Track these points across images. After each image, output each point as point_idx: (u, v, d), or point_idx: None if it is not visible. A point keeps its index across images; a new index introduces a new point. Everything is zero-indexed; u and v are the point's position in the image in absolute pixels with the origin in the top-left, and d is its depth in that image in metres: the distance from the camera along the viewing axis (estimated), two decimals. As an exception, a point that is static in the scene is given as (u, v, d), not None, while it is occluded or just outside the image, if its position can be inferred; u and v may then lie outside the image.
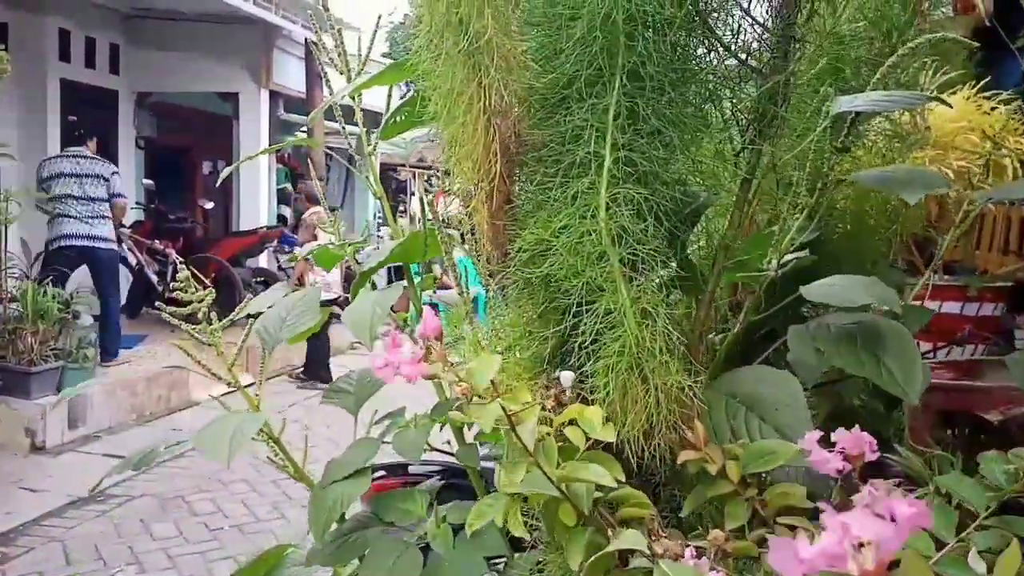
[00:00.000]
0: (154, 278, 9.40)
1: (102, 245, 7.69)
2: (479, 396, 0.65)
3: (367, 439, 1.38)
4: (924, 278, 1.44)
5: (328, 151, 12.07)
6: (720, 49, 0.87)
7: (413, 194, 17.90)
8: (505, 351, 0.87)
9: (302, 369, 9.40)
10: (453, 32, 0.83)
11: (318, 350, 9.28)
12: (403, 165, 18.02)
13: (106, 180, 7.69)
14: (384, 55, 31.99)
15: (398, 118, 1.24)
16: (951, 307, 1.90)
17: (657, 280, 0.75)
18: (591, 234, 0.75)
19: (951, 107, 1.27)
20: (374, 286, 1.44)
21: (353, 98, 1.50)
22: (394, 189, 16.48)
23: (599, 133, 0.78)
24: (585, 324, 0.79)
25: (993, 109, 2.02)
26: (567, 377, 0.66)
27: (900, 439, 1.52)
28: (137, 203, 10.30)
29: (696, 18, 0.83)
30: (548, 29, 0.85)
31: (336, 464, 1.28)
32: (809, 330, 0.98)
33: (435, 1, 0.83)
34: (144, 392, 7.46)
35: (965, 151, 1.84)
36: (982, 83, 1.99)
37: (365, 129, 1.45)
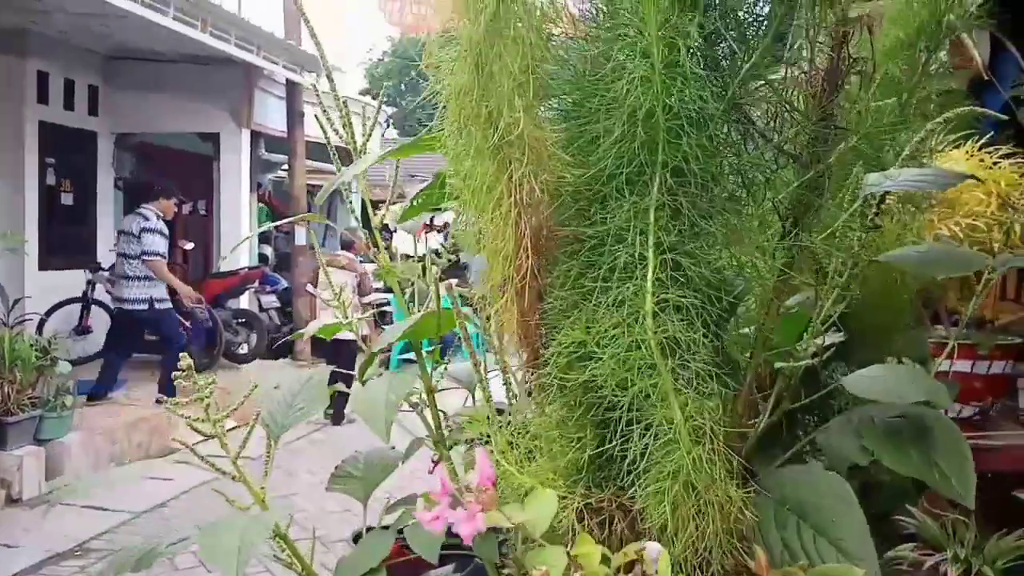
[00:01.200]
0: (134, 321, 9.25)
1: (129, 307, 7.78)
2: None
3: (379, 532, 1.31)
4: (948, 348, 1.40)
5: (309, 187, 12.02)
6: (759, 139, 0.84)
7: (395, 231, 17.88)
8: (536, 455, 0.82)
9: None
10: (482, 125, 0.79)
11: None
12: (384, 201, 18.05)
13: (136, 236, 7.73)
14: (363, 92, 32.11)
15: (416, 201, 1.19)
16: (963, 365, 1.88)
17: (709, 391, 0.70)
18: (639, 346, 0.70)
19: (982, 181, 1.24)
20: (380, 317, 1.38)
21: (356, 146, 1.46)
22: (374, 225, 16.43)
23: (641, 234, 0.74)
24: (629, 432, 0.74)
25: (996, 163, 2.00)
26: (654, 550, 0.61)
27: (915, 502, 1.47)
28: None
29: (736, 109, 0.80)
30: (582, 122, 0.81)
31: (346, 565, 1.21)
32: (852, 423, 0.94)
33: (464, 93, 0.79)
34: (123, 439, 7.30)
35: (972, 209, 1.83)
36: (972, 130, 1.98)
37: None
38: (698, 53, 0.73)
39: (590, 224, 0.80)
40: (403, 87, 37.06)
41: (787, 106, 0.84)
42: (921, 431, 0.90)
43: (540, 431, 0.83)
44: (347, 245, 9.64)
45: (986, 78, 2.13)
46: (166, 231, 8.16)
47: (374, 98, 28.30)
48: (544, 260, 0.83)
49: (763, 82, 0.82)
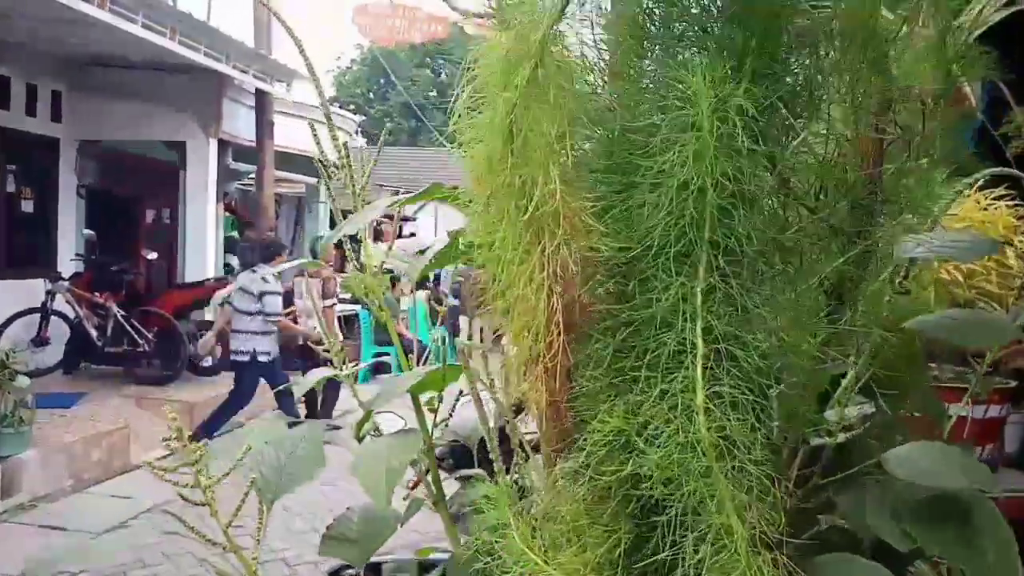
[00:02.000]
0: (93, 332, 9.04)
1: (238, 357, 8.19)
2: None
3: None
4: (964, 400, 1.38)
5: (276, 196, 11.89)
6: (806, 213, 0.80)
7: (364, 239, 17.70)
8: (562, 548, 0.77)
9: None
10: (516, 195, 0.74)
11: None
12: (352, 211, 17.87)
13: (256, 296, 8.06)
14: (332, 99, 31.85)
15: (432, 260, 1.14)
16: (956, 409, 1.85)
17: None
18: (691, 446, 0.65)
19: (1014, 245, 1.21)
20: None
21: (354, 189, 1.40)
22: (345, 235, 16.27)
23: (688, 319, 0.69)
24: (673, 529, 0.69)
25: (990, 205, 1.99)
26: None
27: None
28: (77, 254, 9.97)
29: (784, 183, 0.76)
30: (620, 191, 0.76)
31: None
32: (885, 504, 0.90)
33: (497, 161, 0.73)
34: (83, 456, 7.10)
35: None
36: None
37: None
38: (751, 125, 0.68)
39: (629, 302, 0.75)
40: (371, 95, 36.90)
41: (834, 178, 0.80)
42: (961, 513, 0.86)
43: (569, 518, 0.77)
44: (316, 253, 9.71)
45: (980, 117, 2.13)
46: (281, 289, 8.43)
47: (342, 106, 28.12)
48: (575, 336, 0.78)
49: (810, 153, 0.78)
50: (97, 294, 9.16)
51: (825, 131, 0.78)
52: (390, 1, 10.19)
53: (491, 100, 0.73)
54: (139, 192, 11.73)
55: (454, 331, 12.00)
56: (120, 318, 9.01)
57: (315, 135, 1.44)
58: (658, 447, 0.67)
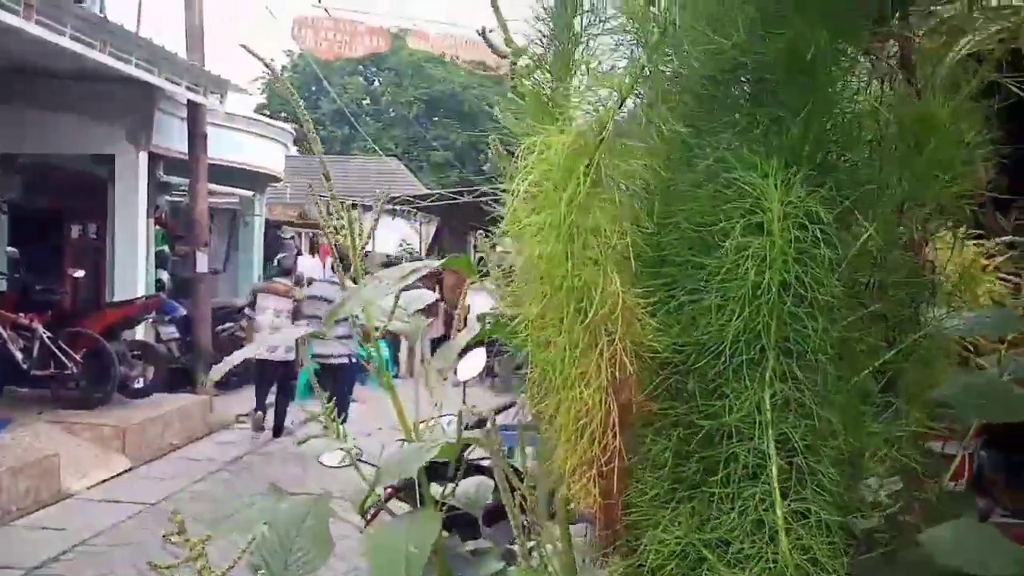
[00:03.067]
0: (18, 355, 8.66)
1: (334, 361, 9.05)
2: None
3: None
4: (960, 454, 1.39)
5: (209, 209, 11.60)
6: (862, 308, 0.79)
7: (300, 253, 17.42)
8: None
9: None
10: (574, 297, 0.70)
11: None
12: (288, 223, 17.54)
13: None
14: (260, 107, 31.30)
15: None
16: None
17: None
18: (775, 570, 0.63)
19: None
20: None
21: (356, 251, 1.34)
22: (277, 248, 15.98)
23: (759, 428, 0.67)
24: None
25: (990, 255, 2.02)
26: None
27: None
28: (0, 274, 9.57)
29: (851, 284, 0.74)
30: (671, 289, 0.73)
31: None
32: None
33: (556, 264, 0.70)
34: (11, 486, 6.77)
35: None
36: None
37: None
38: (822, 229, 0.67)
39: (688, 402, 0.72)
40: (302, 103, 36.23)
41: (890, 271, 0.79)
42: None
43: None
44: (286, 272, 10.02)
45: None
46: None
47: (273, 115, 27.60)
48: (634, 439, 0.75)
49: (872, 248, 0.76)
50: (22, 315, 8.79)
51: (881, 227, 0.76)
52: (327, 13, 10.06)
53: (548, 198, 0.70)
54: (64, 207, 11.31)
55: (395, 344, 12.00)
56: (47, 339, 8.66)
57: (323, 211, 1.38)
58: (737, 566, 0.64)
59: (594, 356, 0.72)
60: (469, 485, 1.32)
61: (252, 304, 9.81)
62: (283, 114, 32.18)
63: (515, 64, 1.16)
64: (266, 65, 1.55)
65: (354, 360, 8.79)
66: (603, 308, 0.70)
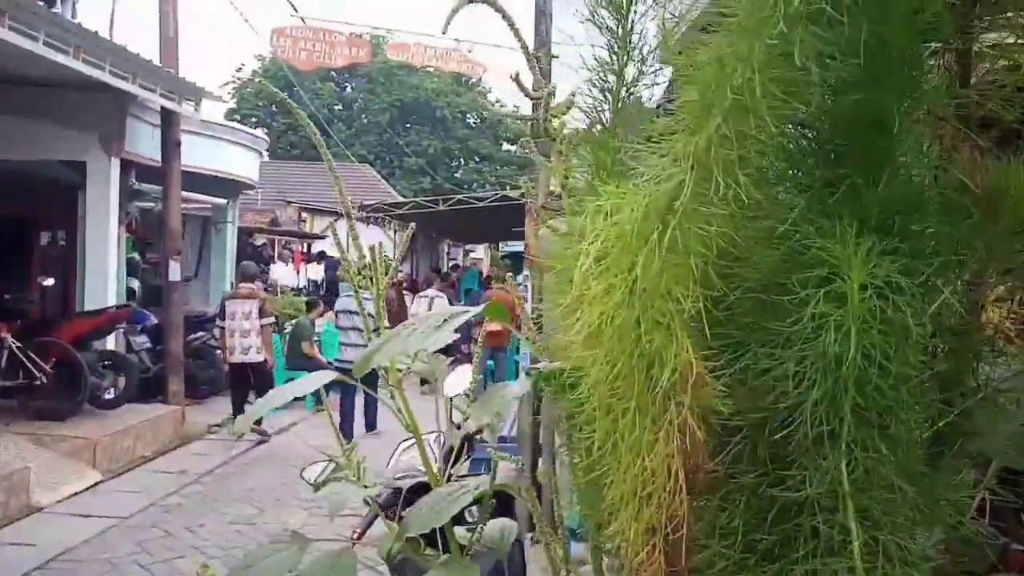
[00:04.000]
0: (-14, 365, 8.48)
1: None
2: None
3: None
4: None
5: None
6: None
7: (273, 260, 17.28)
8: None
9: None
10: (645, 366, 0.69)
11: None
12: (259, 230, 17.40)
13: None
14: (231, 112, 31.01)
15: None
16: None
17: None
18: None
19: None
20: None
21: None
22: (249, 255, 15.85)
23: (839, 501, 0.66)
24: None
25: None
26: None
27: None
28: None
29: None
30: (736, 353, 0.72)
31: None
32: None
33: (624, 333, 0.68)
34: (-22, 501, 6.62)
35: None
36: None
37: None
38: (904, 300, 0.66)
39: (759, 471, 0.71)
40: (274, 108, 36.05)
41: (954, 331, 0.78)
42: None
43: None
44: (250, 277, 10.42)
45: None
46: None
47: (242, 120, 27.37)
48: (697, 503, 0.74)
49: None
50: (-12, 324, 8.61)
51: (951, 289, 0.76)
52: (302, 22, 9.97)
53: (618, 264, 0.69)
54: (32, 214, 11.11)
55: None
56: (15, 349, 8.48)
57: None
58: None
59: (663, 423, 0.71)
60: (494, 528, 1.30)
61: (222, 314, 10.11)
62: (253, 119, 31.97)
63: (547, 110, 1.15)
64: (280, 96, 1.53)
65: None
66: (674, 375, 0.69)
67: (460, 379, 4.64)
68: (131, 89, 8.53)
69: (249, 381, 9.94)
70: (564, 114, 1.06)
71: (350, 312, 9.82)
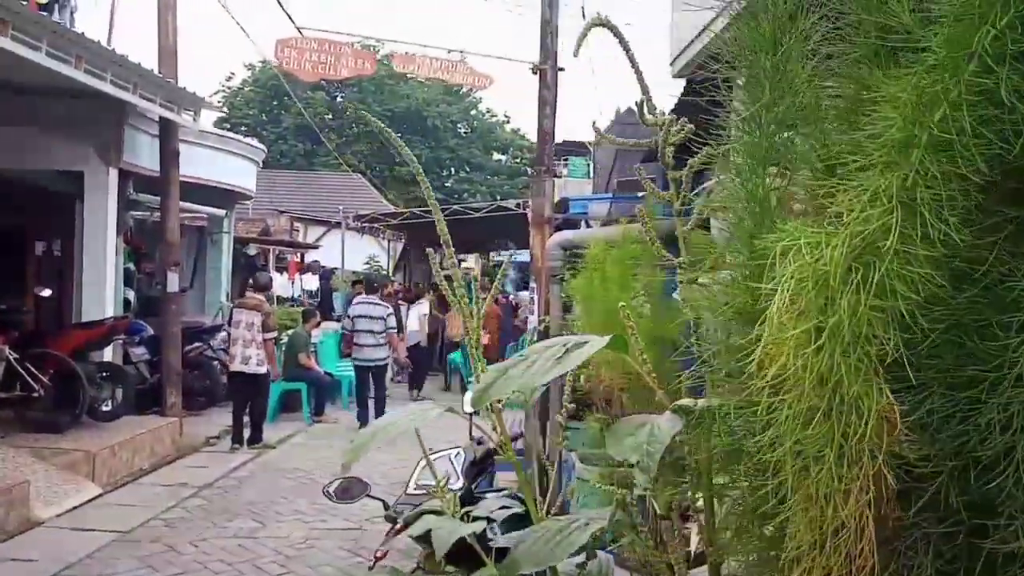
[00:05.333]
0: (-18, 377, 8.36)
1: (376, 363, 11.99)
2: None
3: None
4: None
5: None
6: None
7: (264, 267, 17.19)
8: None
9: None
10: (846, 411, 0.66)
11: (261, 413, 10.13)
12: (253, 240, 17.30)
13: (383, 319, 11.90)
14: (221, 120, 30.88)
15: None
16: None
17: None
18: None
19: None
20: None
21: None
22: (244, 265, 15.76)
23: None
24: None
25: None
26: None
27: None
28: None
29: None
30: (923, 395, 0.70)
31: None
32: None
33: (821, 378, 0.66)
34: (-22, 516, 6.52)
35: None
36: None
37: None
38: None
39: (950, 519, 0.69)
40: (264, 116, 35.95)
41: None
42: None
43: None
44: (261, 287, 10.72)
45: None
46: None
47: (232, 128, 27.26)
48: (884, 552, 0.71)
49: None
50: (-15, 335, 8.50)
51: None
52: (299, 33, 9.92)
53: (814, 307, 0.66)
54: (28, 224, 11.01)
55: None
56: (12, 361, 8.37)
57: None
58: None
59: (858, 471, 0.69)
60: (593, 563, 1.27)
61: (230, 320, 10.42)
62: (243, 128, 31.87)
63: (667, 140, 1.13)
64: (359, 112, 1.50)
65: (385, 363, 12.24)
66: (873, 423, 0.67)
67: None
68: (131, 99, 8.46)
69: (247, 391, 10.00)
70: (679, 142, 1.04)
71: (365, 317, 11.72)
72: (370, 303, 12.01)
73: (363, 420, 11.51)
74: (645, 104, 1.01)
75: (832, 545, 0.71)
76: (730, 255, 0.89)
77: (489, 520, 3.16)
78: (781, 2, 0.86)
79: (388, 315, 11.95)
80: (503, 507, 3.68)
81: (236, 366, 9.96)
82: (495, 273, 33.41)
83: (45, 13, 7.33)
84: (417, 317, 14.74)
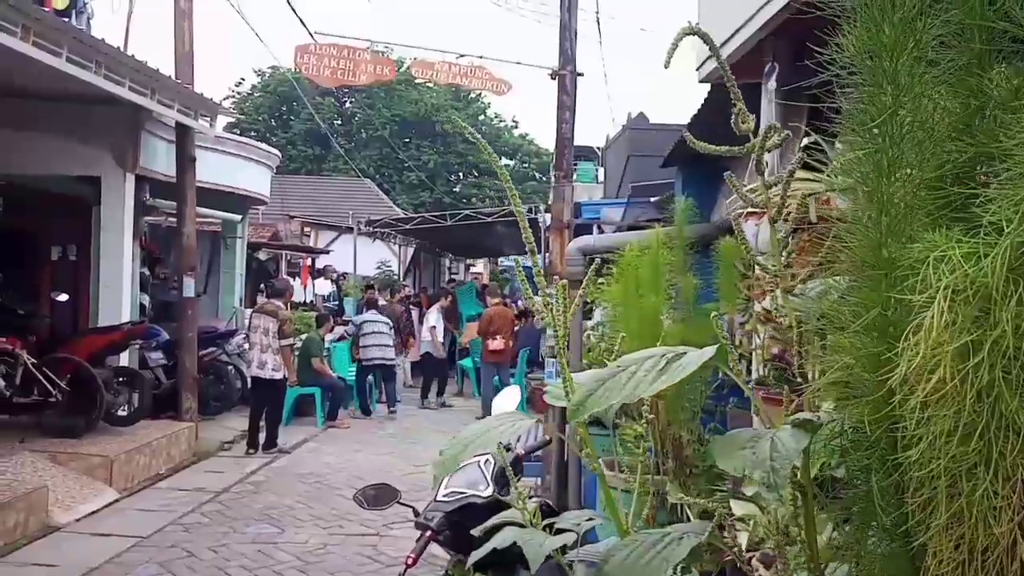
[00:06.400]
0: (0, 382, 8.38)
1: (379, 361, 13.24)
2: None
3: None
4: None
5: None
6: None
7: (276, 273, 17.20)
8: None
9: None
10: (1014, 429, 0.65)
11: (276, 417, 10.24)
12: (266, 245, 17.33)
13: (388, 324, 13.44)
14: (231, 125, 30.98)
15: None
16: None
17: None
18: None
19: None
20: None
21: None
22: (255, 270, 15.78)
23: None
24: None
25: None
26: None
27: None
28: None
29: None
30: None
31: None
32: None
33: (983, 393, 0.64)
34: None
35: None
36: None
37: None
38: None
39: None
40: (273, 122, 36.05)
41: None
42: None
43: None
44: (278, 293, 10.77)
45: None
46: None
47: (241, 133, 27.35)
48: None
49: None
50: (3, 339, 8.51)
51: None
52: (311, 36, 9.94)
53: (963, 326, 0.65)
54: (44, 229, 11.05)
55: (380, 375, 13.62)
56: (30, 365, 8.38)
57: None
58: None
59: (1010, 488, 0.67)
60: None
61: (250, 324, 10.50)
62: (252, 133, 31.94)
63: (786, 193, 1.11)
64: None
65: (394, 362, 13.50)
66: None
67: (507, 401, 4.56)
68: (149, 105, 8.48)
69: (263, 396, 10.10)
70: (774, 148, 1.02)
71: (373, 321, 13.27)
72: (375, 320, 13.34)
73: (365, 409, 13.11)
74: (740, 113, 0.99)
75: (980, 564, 0.69)
76: (848, 265, 0.87)
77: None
78: (901, 6, 0.84)
79: (390, 329, 13.43)
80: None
81: (253, 371, 10.14)
82: (502, 278, 33.44)
83: (66, 19, 7.35)
84: (427, 328, 14.72)
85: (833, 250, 0.92)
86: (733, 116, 1.01)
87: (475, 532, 3.02)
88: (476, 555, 1.31)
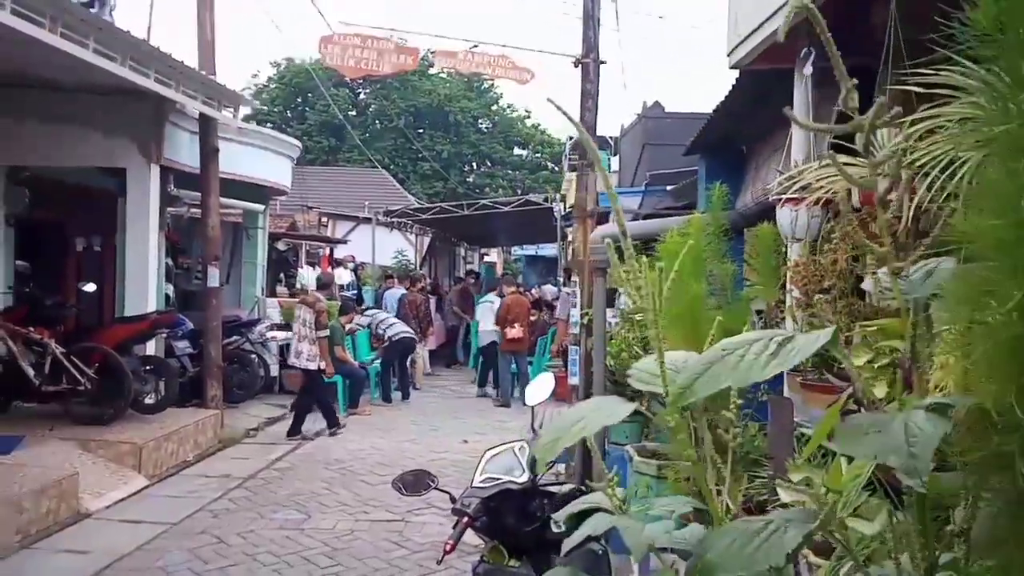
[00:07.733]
0: (30, 371, 8.47)
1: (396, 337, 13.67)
2: None
3: None
4: None
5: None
6: None
7: (300, 265, 17.30)
8: None
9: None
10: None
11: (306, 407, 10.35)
12: (283, 235, 17.40)
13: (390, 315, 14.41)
14: (247, 118, 31.04)
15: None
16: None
17: None
18: None
19: None
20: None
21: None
22: (275, 260, 15.85)
23: None
24: None
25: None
26: None
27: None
28: (8, 287, 9.38)
29: None
30: None
31: None
32: None
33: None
34: (32, 507, 6.60)
35: None
36: None
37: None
38: None
39: None
40: (288, 114, 36.11)
41: None
42: None
43: None
44: (324, 286, 11.39)
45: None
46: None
47: (259, 123, 27.41)
48: None
49: None
50: (32, 329, 8.61)
51: None
52: (328, 26, 9.94)
53: None
54: (71, 220, 11.15)
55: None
56: (59, 355, 8.48)
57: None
58: None
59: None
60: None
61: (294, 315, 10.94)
62: (268, 124, 32.02)
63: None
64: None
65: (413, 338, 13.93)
66: None
67: (541, 388, 4.58)
68: (174, 96, 8.53)
69: (306, 386, 10.51)
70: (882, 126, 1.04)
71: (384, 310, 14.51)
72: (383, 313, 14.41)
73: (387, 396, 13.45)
74: (848, 96, 1.02)
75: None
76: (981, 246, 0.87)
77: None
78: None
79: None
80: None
81: (291, 360, 10.57)
82: (515, 268, 33.41)
83: (93, 10, 7.40)
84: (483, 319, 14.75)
85: (947, 232, 0.94)
86: (842, 95, 1.03)
87: (555, 517, 3.05)
88: (570, 541, 1.33)
